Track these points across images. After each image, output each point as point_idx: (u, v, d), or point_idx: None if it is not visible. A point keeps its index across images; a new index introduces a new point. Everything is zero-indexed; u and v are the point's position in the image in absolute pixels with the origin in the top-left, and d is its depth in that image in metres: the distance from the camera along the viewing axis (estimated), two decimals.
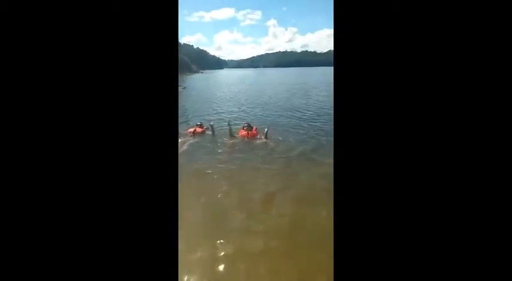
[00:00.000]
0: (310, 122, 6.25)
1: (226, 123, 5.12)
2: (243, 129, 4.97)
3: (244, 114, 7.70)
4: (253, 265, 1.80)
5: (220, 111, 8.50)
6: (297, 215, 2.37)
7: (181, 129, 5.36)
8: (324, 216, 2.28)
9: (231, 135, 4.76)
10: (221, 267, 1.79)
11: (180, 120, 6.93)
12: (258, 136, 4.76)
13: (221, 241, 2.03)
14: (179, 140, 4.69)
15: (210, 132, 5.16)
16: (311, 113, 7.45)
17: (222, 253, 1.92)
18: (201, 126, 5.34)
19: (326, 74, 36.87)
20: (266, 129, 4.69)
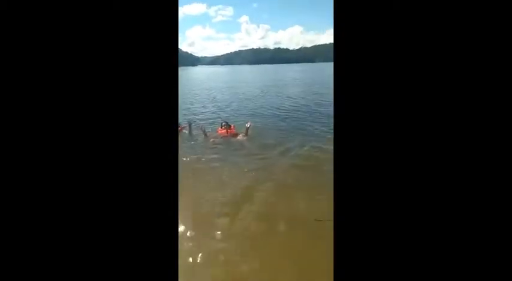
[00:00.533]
0: (287, 119, 6.30)
1: (200, 124, 5.09)
2: (222, 127, 4.87)
3: (220, 113, 7.60)
4: None
5: (195, 110, 8.31)
6: None
7: None
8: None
9: (205, 135, 4.64)
10: None
11: None
12: (239, 135, 4.68)
13: None
14: None
15: (186, 132, 4.97)
16: (285, 111, 7.53)
17: None
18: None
19: (298, 71, 37.81)
20: (248, 125, 4.60)
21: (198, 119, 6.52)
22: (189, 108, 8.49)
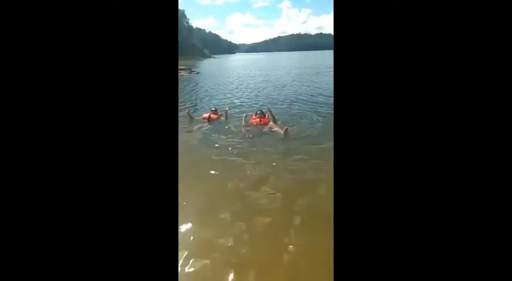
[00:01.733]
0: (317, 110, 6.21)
1: (241, 112, 5.35)
2: (256, 116, 5.04)
3: (249, 100, 7.88)
4: None
5: (230, 96, 8.71)
6: None
7: (196, 115, 5.58)
8: None
9: (246, 124, 4.82)
10: None
11: (193, 106, 7.15)
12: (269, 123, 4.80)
13: None
14: (195, 127, 4.87)
15: (223, 119, 5.28)
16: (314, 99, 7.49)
17: None
18: (215, 112, 5.42)
19: None
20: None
21: (235, 105, 6.83)
22: (226, 94, 8.91)
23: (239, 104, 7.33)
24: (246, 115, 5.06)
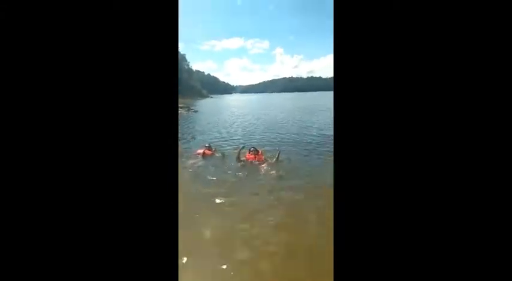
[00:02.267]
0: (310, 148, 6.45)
1: (235, 147, 5.51)
2: (250, 153, 5.18)
3: (240, 136, 8.21)
4: None
5: (226, 133, 9.02)
6: None
7: (191, 150, 5.72)
8: None
9: (239, 159, 4.94)
10: None
11: (191, 141, 7.35)
12: (266, 162, 4.90)
13: None
14: (190, 162, 4.93)
15: (218, 155, 5.38)
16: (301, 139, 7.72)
17: None
18: (209, 148, 5.56)
19: (327, 98, 37.90)
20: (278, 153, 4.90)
21: (226, 143, 7.04)
22: (219, 130, 9.23)
23: (230, 140, 7.61)
24: (242, 148, 5.24)
